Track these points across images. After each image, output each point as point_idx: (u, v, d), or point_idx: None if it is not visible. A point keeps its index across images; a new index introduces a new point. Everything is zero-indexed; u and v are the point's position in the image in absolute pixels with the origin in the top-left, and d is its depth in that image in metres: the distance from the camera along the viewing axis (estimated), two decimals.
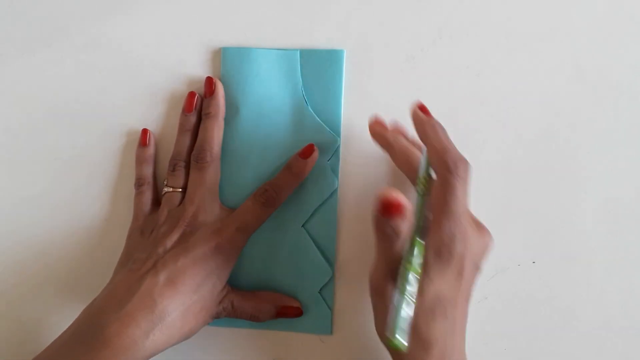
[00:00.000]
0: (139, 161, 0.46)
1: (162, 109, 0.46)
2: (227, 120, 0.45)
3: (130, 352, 0.38)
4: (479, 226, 0.39)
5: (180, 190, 0.44)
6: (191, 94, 0.45)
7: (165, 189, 0.44)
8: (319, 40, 0.45)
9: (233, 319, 0.45)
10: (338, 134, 0.45)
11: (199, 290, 0.40)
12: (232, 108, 0.45)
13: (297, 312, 0.45)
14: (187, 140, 0.45)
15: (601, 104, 0.44)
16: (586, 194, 0.45)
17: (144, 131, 0.46)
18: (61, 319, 0.48)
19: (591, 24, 0.44)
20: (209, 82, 0.44)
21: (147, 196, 0.45)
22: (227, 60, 0.45)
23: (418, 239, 0.36)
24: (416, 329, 0.35)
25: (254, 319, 0.44)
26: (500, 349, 0.45)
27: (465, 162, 0.37)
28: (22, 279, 0.48)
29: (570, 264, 0.45)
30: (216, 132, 0.44)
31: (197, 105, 0.45)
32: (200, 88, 0.46)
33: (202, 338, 0.47)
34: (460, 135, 0.45)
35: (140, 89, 0.46)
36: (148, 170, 0.45)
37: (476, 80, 0.45)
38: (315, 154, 0.44)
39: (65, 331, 0.40)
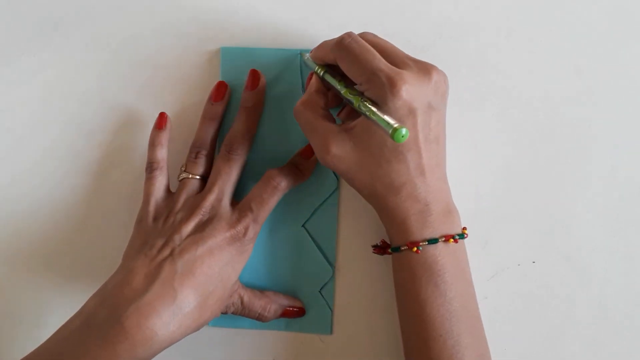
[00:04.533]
0: (153, 144, 0.44)
1: (162, 109, 0.46)
2: (227, 120, 0.45)
3: (149, 344, 0.37)
4: (420, 66, 0.38)
5: (198, 177, 0.44)
6: (221, 84, 0.44)
7: (183, 175, 0.44)
8: (319, 40, 0.45)
9: (232, 318, 0.45)
10: None
11: (215, 281, 0.40)
12: (232, 108, 0.45)
13: (301, 313, 0.45)
14: (210, 129, 0.44)
15: (601, 104, 0.44)
16: (586, 193, 0.45)
17: (162, 115, 0.45)
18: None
19: (591, 24, 0.44)
20: (255, 75, 0.44)
21: (161, 181, 0.44)
22: (226, 60, 0.45)
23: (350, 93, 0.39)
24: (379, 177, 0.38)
25: (261, 318, 0.44)
26: (500, 349, 0.45)
27: (347, 34, 0.39)
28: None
29: (570, 264, 0.45)
30: (252, 127, 0.44)
31: (225, 96, 0.44)
32: (200, 89, 0.46)
33: (202, 338, 0.47)
34: (460, 135, 0.45)
35: (140, 89, 0.46)
36: (162, 154, 0.44)
37: (477, 80, 0.45)
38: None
39: (72, 319, 0.39)
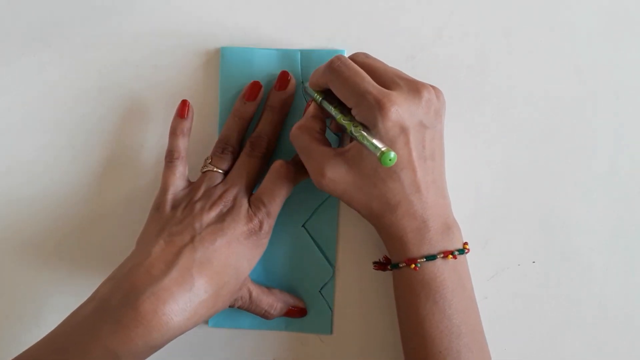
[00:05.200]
0: (175, 133, 0.44)
1: (162, 109, 0.46)
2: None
3: (164, 330, 0.36)
4: (411, 86, 0.38)
5: (221, 172, 0.43)
6: (256, 84, 0.44)
7: (208, 167, 0.43)
8: (319, 40, 0.45)
9: (232, 318, 0.45)
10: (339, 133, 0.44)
11: (230, 272, 0.40)
12: (229, 110, 0.45)
13: (303, 313, 0.45)
14: (239, 127, 0.44)
15: (601, 104, 0.44)
16: (586, 193, 0.45)
17: (184, 102, 0.44)
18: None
19: (591, 24, 0.44)
20: (285, 76, 0.44)
21: (180, 171, 0.43)
22: (226, 60, 0.45)
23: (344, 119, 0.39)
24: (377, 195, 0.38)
25: (266, 315, 0.44)
26: (500, 349, 0.45)
27: (336, 57, 0.39)
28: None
29: (570, 264, 0.45)
30: (278, 127, 0.44)
31: (259, 96, 0.44)
32: (200, 89, 0.46)
33: (202, 338, 0.47)
34: (461, 135, 0.45)
35: (140, 88, 0.46)
36: (183, 144, 0.44)
37: (476, 80, 0.45)
38: None
39: (84, 305, 0.38)
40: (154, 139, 0.46)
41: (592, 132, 0.45)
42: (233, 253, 0.40)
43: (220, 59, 0.45)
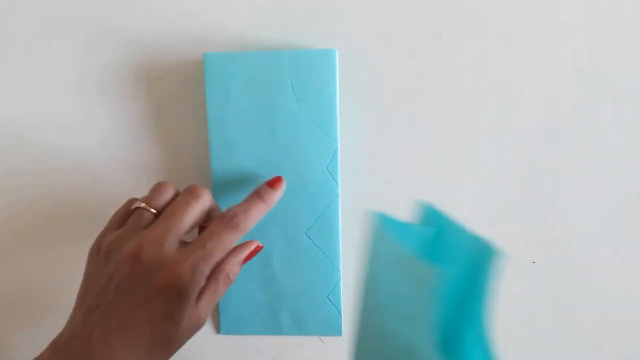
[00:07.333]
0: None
1: (161, 109, 0.46)
2: (216, 132, 0.44)
3: None
4: None
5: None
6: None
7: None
8: (319, 40, 0.45)
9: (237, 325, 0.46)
10: (335, 136, 0.43)
11: None
12: (219, 117, 0.43)
13: (258, 249, 0.44)
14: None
15: (601, 104, 0.44)
16: (586, 194, 0.45)
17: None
18: None
19: (591, 24, 0.44)
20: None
21: None
22: (210, 67, 0.43)
23: None
24: None
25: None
26: (500, 349, 0.45)
27: None
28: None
29: (570, 264, 0.45)
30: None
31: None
32: (199, 89, 0.46)
33: (203, 339, 0.47)
34: (461, 136, 0.45)
35: (140, 89, 0.46)
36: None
37: (476, 80, 0.45)
38: (284, 184, 0.42)
39: None
40: (153, 139, 0.46)
41: (592, 132, 0.45)
42: None
43: (204, 66, 0.43)
